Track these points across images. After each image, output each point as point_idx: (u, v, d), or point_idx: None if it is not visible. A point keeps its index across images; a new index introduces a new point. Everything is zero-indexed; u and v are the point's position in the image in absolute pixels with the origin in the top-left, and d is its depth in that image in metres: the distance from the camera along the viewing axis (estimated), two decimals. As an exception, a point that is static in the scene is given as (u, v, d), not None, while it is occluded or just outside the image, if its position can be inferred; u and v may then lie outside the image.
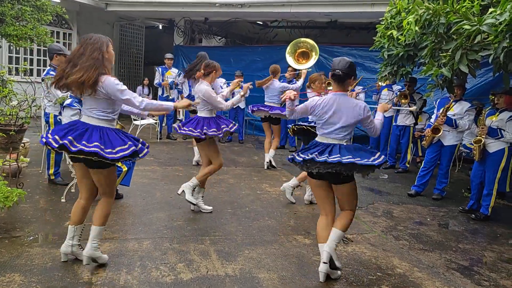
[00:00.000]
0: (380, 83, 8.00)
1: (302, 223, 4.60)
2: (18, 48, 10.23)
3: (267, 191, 5.73)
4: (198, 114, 4.65)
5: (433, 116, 6.00)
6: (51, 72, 5.20)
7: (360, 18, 9.87)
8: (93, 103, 3.05)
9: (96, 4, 11.24)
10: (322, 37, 11.25)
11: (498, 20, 3.47)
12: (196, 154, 6.96)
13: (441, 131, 5.53)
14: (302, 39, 8.05)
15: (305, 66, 8.17)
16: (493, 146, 4.99)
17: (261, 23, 12.48)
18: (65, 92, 4.70)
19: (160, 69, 9.17)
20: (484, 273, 3.69)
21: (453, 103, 5.59)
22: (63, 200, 4.70)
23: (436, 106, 5.96)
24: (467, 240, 4.48)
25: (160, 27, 14.45)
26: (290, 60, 8.13)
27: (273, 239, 4.07)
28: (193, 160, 7.12)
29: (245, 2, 9.71)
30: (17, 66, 10.34)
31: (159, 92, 9.24)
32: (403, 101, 7.23)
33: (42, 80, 5.22)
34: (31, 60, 10.96)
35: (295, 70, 8.25)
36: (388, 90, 8.00)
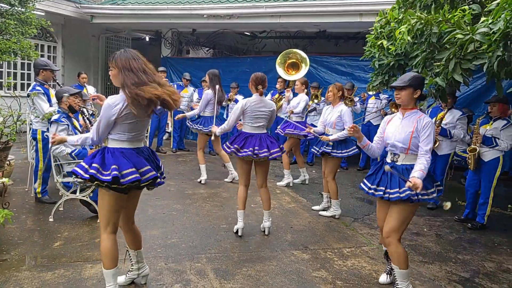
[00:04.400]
0: (370, 92, 8.02)
1: (299, 237, 4.50)
2: (1, 62, 10.01)
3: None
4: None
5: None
6: (37, 88, 5.07)
7: (348, 28, 9.90)
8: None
9: (81, 16, 11.09)
10: (311, 47, 11.26)
11: (492, 29, 3.46)
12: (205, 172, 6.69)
13: (438, 142, 5.52)
14: (293, 50, 8.01)
15: (295, 77, 8.13)
16: (488, 154, 4.98)
17: (249, 34, 12.45)
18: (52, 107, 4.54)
19: None
20: (486, 285, 3.64)
21: (444, 112, 5.59)
22: (51, 220, 4.52)
23: (428, 115, 5.94)
24: (466, 251, 4.43)
25: (147, 39, 14.32)
26: (280, 70, 8.08)
27: (271, 255, 3.96)
28: (202, 179, 6.66)
29: (233, 13, 9.67)
30: (0, 80, 10.11)
31: None
32: (394, 110, 7.24)
33: (28, 95, 5.08)
34: (15, 74, 10.73)
35: (284, 80, 8.20)
36: (375, 98, 8.04)
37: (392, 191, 3.07)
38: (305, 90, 6.90)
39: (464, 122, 5.57)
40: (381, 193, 3.11)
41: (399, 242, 3.11)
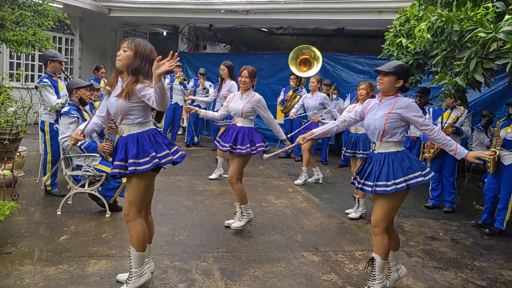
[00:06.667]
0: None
1: (309, 238, 4.39)
2: (19, 54, 10.11)
3: (273, 203, 5.52)
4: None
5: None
6: (45, 80, 5.03)
7: (367, 26, 9.71)
8: None
9: (99, 9, 11.13)
10: (329, 45, 11.09)
11: (518, 27, 3.29)
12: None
13: None
14: (309, 46, 7.89)
15: (307, 74, 8.01)
16: (509, 158, 4.78)
17: (266, 30, 12.33)
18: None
19: (169, 76, 8.97)
20: (504, 295, 3.48)
21: (449, 111, 5.57)
22: (59, 213, 4.50)
23: (430, 116, 5.78)
24: (483, 257, 4.25)
25: (165, 33, 14.32)
26: (292, 66, 7.97)
27: (280, 256, 3.86)
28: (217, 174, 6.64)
29: (251, 8, 9.57)
30: (16, 72, 10.21)
31: None
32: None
33: (36, 87, 5.06)
34: (32, 66, 10.83)
35: (297, 77, 8.08)
36: None
37: (380, 183, 3.04)
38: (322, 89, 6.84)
39: (470, 119, 5.61)
40: (369, 188, 3.09)
41: (385, 232, 3.10)
